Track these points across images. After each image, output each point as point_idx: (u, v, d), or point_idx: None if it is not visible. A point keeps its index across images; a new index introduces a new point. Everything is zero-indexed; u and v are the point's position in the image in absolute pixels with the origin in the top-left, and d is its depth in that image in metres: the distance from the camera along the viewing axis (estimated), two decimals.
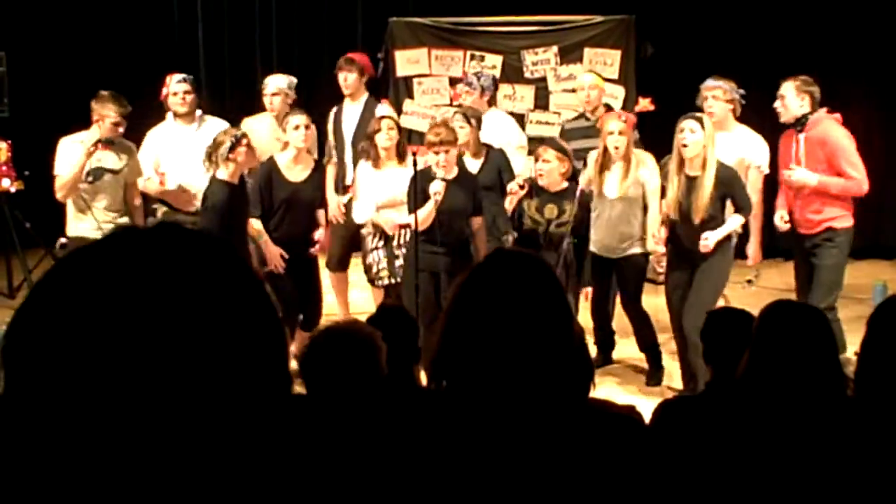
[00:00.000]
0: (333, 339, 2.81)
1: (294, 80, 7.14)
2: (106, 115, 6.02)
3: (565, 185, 5.92)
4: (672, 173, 5.63)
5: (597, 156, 6.08)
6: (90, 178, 6.07)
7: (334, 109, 7.15)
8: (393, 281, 6.32)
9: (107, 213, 6.15)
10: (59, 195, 6.09)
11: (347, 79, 7.02)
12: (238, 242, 5.73)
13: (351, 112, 7.03)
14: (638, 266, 6.12)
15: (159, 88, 6.65)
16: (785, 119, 5.98)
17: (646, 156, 6.10)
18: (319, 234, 6.42)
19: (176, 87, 6.54)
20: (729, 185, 5.60)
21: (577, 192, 5.84)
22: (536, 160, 6.00)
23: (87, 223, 6.09)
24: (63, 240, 6.38)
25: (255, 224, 6.09)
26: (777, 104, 5.98)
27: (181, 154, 6.45)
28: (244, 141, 5.80)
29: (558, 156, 5.88)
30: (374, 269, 6.38)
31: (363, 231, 6.45)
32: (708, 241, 5.56)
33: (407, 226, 6.17)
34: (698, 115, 5.66)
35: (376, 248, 6.32)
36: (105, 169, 6.12)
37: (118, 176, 6.19)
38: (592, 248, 6.20)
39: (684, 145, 5.51)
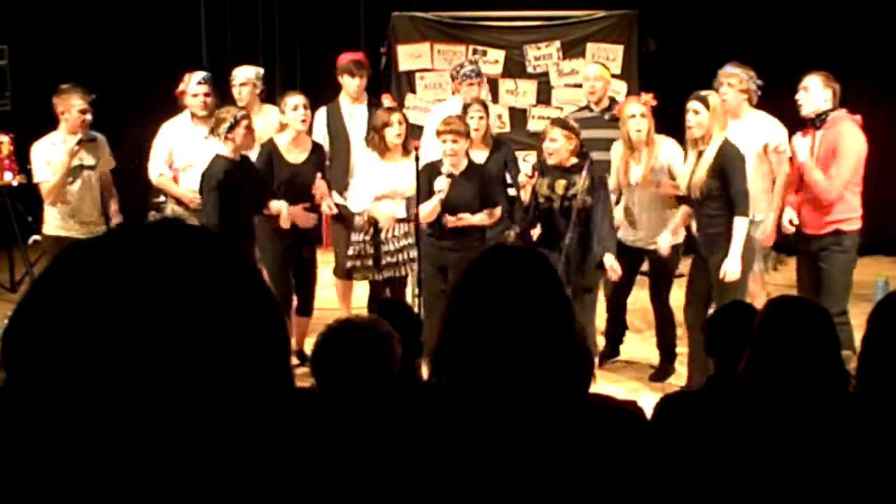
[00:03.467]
0: (351, 333, 2.79)
1: (261, 70, 7.01)
2: (71, 105, 5.98)
3: (575, 160, 5.88)
4: (690, 153, 5.68)
5: (622, 148, 6.08)
6: (70, 179, 6.05)
7: (324, 110, 6.94)
8: (377, 277, 6.30)
9: (90, 209, 6.15)
10: (47, 201, 6.07)
11: (361, 85, 6.89)
12: (242, 220, 5.78)
13: (358, 113, 6.87)
14: (668, 259, 6.09)
15: (164, 79, 6.61)
16: (805, 112, 5.81)
17: (664, 138, 6.07)
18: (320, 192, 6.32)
19: (196, 89, 6.41)
20: (726, 162, 5.48)
21: (586, 167, 5.79)
22: (543, 140, 5.99)
23: (70, 222, 6.07)
24: (36, 237, 6.35)
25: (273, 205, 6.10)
26: (800, 95, 5.82)
27: (194, 156, 6.36)
28: (243, 122, 5.79)
29: (565, 133, 5.83)
30: (364, 262, 6.33)
31: (356, 220, 6.43)
32: (728, 270, 5.48)
33: (401, 220, 6.19)
34: (703, 93, 5.62)
35: (362, 240, 6.30)
36: (84, 166, 6.11)
37: (95, 171, 6.18)
38: (620, 236, 6.21)
39: (689, 127, 5.56)
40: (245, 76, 6.83)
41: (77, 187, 6.08)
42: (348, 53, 7.13)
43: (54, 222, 6.12)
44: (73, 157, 5.96)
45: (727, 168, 5.49)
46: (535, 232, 6.04)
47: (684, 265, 6.23)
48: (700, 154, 5.57)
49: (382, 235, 6.24)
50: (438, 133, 5.91)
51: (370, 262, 6.27)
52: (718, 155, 5.48)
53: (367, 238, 6.27)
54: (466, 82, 7.06)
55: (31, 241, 6.59)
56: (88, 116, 6.05)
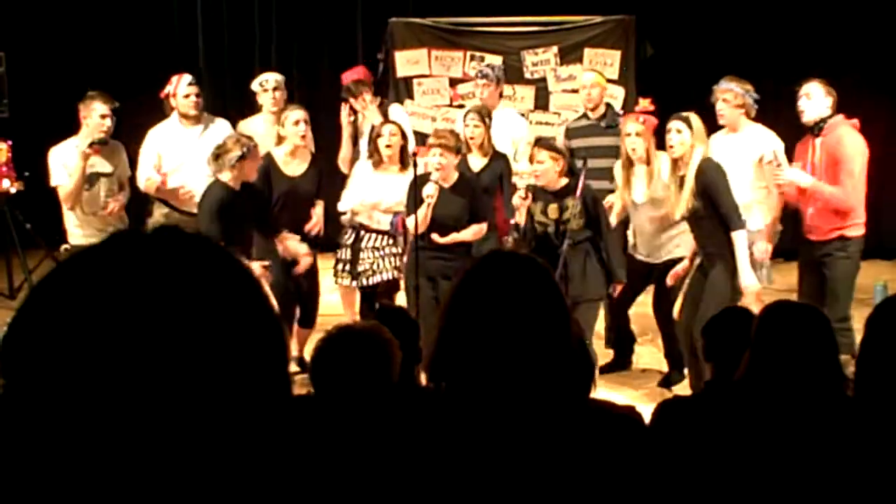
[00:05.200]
0: (350, 340, 2.79)
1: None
2: (92, 110, 6.00)
3: (564, 181, 5.90)
4: (668, 178, 5.61)
5: (621, 165, 6.06)
6: (86, 186, 6.04)
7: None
8: (356, 284, 6.31)
9: (107, 217, 6.14)
10: (67, 205, 6.06)
11: (366, 99, 6.85)
12: (240, 247, 5.66)
13: (367, 124, 6.87)
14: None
15: (162, 86, 6.61)
16: (807, 119, 5.77)
17: (662, 155, 5.97)
18: (315, 220, 6.38)
19: (187, 90, 6.43)
20: (705, 178, 5.36)
21: (579, 188, 5.80)
22: (531, 162, 6.01)
23: (89, 230, 6.06)
24: (66, 246, 6.34)
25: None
26: (801, 103, 5.77)
27: (185, 155, 6.38)
28: (254, 154, 5.77)
29: (551, 155, 5.83)
30: (340, 266, 6.38)
31: (342, 219, 6.43)
32: (746, 287, 5.34)
33: (381, 232, 6.20)
34: (685, 114, 5.55)
35: (346, 244, 6.32)
36: (100, 174, 6.10)
37: (112, 178, 6.18)
38: (631, 251, 6.23)
39: (671, 146, 5.47)
40: (276, 80, 6.84)
41: (92, 194, 6.08)
42: (348, 72, 7.06)
43: (77, 231, 6.12)
44: (86, 160, 5.95)
45: (710, 187, 5.38)
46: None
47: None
48: (681, 178, 5.48)
49: (363, 244, 6.26)
50: (429, 146, 5.92)
51: (348, 268, 6.32)
52: (698, 175, 5.38)
53: (349, 244, 6.30)
54: (482, 82, 7.04)
55: (62, 248, 6.58)
56: (109, 122, 6.04)
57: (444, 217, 5.85)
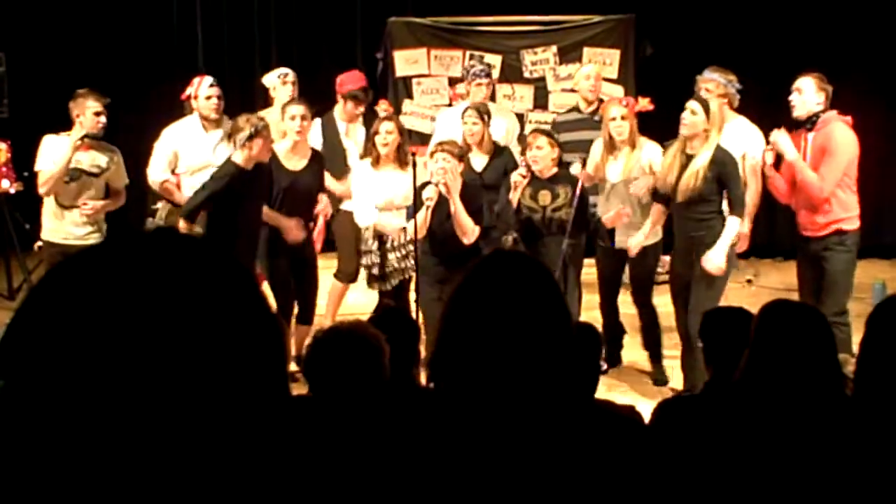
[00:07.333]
0: (338, 340, 2.81)
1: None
2: (86, 107, 5.98)
3: (555, 170, 5.97)
4: (672, 151, 5.66)
5: (602, 144, 6.10)
6: (67, 179, 5.98)
7: (319, 122, 6.85)
8: (388, 287, 6.31)
9: (80, 216, 6.06)
10: (41, 190, 6.01)
11: (363, 110, 6.87)
12: (245, 229, 5.71)
13: (352, 129, 6.86)
14: (647, 258, 6.08)
15: (161, 86, 6.57)
16: (798, 114, 5.80)
17: (646, 142, 6.09)
18: (319, 210, 6.39)
19: (208, 92, 6.41)
20: (723, 166, 5.49)
21: (577, 187, 5.84)
22: (528, 149, 6.05)
23: (61, 225, 6.03)
24: (39, 243, 6.32)
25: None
26: (793, 97, 5.80)
27: (203, 158, 6.30)
28: (263, 133, 5.74)
29: (549, 142, 5.98)
30: (372, 272, 6.37)
31: (364, 233, 6.43)
32: (712, 260, 5.46)
33: (403, 229, 6.19)
34: (705, 97, 5.66)
35: (370, 250, 6.32)
36: (82, 170, 6.04)
37: (98, 180, 6.12)
38: (602, 241, 6.23)
39: (684, 124, 5.55)
40: (295, 75, 6.96)
41: (71, 190, 6.03)
42: (350, 76, 7.01)
43: (50, 225, 6.09)
44: (75, 150, 5.91)
45: (725, 175, 5.51)
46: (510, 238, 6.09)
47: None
48: (688, 157, 5.55)
49: (387, 245, 6.25)
50: (432, 153, 5.93)
51: (377, 273, 6.30)
52: (715, 161, 5.47)
53: (375, 250, 6.29)
54: (475, 82, 7.05)
55: (35, 246, 6.56)
56: (103, 119, 6.02)
57: (444, 222, 5.84)
